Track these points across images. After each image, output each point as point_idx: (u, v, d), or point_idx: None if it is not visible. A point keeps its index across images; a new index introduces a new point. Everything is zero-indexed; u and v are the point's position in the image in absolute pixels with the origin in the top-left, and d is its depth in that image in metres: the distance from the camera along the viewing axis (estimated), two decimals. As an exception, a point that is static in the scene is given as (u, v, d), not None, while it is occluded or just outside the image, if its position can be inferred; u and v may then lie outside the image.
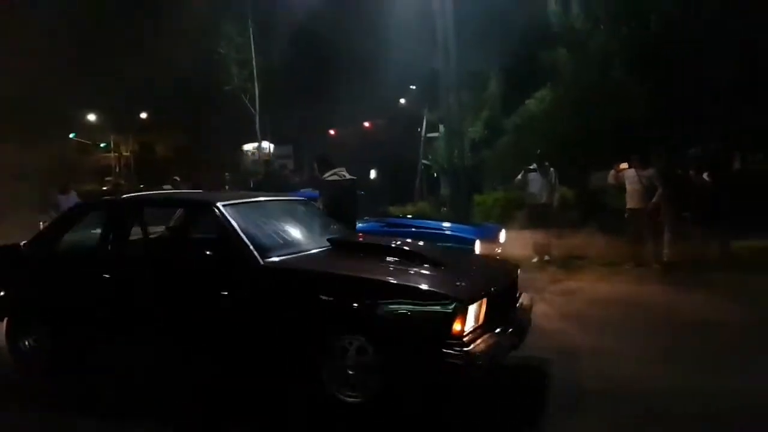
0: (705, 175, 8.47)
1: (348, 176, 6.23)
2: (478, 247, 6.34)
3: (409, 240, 4.91)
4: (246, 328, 3.86)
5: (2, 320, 4.62)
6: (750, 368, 4.24)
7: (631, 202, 8.56)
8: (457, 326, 3.36)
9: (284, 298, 3.80)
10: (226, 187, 19.48)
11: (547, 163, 9.42)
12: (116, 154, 38.12)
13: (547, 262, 9.13)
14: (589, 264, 8.79)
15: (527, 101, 14.25)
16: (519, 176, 9.63)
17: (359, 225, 7.11)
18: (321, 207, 5.87)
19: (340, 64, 24.48)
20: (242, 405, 3.97)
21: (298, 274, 3.88)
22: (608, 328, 5.58)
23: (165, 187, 11.63)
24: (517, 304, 4.36)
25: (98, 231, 4.67)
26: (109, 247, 4.54)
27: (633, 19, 13.06)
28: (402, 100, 30.39)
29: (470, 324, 3.47)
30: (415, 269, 3.91)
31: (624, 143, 10.06)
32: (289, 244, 4.28)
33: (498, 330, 3.73)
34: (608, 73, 12.91)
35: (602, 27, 13.55)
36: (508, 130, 14.86)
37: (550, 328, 5.40)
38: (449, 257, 4.32)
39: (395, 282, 3.66)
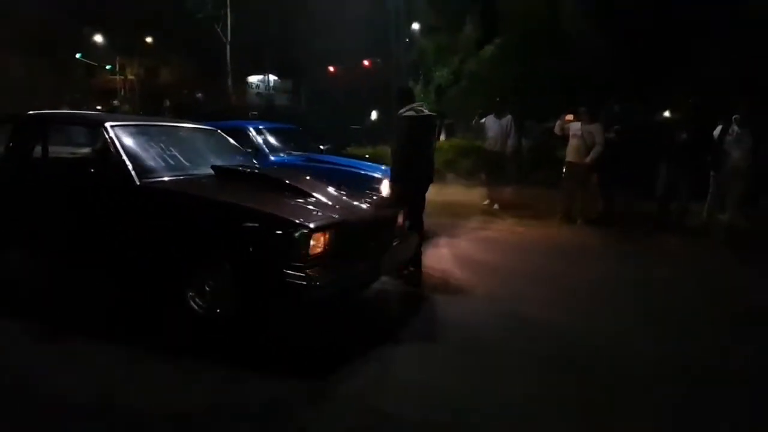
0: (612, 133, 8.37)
1: (426, 112, 5.64)
2: (385, 185, 6.45)
3: (296, 173, 5.10)
4: (124, 241, 4.12)
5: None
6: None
7: (569, 156, 8.47)
8: (301, 250, 3.60)
9: (156, 216, 4.05)
10: None
11: (504, 109, 9.38)
12: (121, 77, 37.97)
13: (496, 210, 9.30)
14: (515, 215, 8.89)
15: (486, 47, 13.99)
16: (473, 122, 9.75)
17: (278, 158, 7.23)
18: (395, 146, 5.51)
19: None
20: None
21: (168, 195, 4.10)
22: (504, 274, 5.85)
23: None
24: (391, 243, 4.56)
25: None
26: (13, 160, 4.80)
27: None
28: (408, 39, 29.74)
29: (316, 250, 3.68)
30: (280, 198, 4.11)
31: (573, 96, 9.95)
32: (172, 167, 4.46)
33: (352, 261, 3.96)
34: (558, 20, 12.54)
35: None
36: (465, 76, 14.76)
37: (456, 272, 5.68)
38: (325, 191, 4.47)
39: (250, 207, 3.84)
